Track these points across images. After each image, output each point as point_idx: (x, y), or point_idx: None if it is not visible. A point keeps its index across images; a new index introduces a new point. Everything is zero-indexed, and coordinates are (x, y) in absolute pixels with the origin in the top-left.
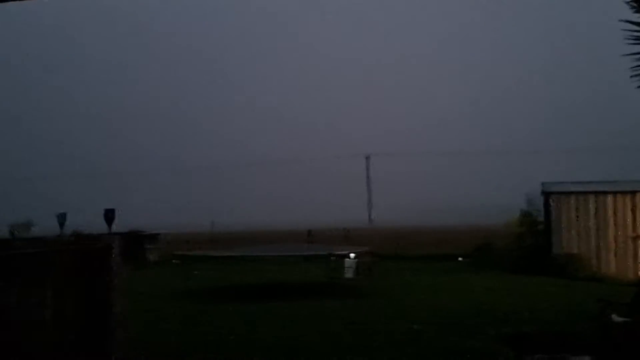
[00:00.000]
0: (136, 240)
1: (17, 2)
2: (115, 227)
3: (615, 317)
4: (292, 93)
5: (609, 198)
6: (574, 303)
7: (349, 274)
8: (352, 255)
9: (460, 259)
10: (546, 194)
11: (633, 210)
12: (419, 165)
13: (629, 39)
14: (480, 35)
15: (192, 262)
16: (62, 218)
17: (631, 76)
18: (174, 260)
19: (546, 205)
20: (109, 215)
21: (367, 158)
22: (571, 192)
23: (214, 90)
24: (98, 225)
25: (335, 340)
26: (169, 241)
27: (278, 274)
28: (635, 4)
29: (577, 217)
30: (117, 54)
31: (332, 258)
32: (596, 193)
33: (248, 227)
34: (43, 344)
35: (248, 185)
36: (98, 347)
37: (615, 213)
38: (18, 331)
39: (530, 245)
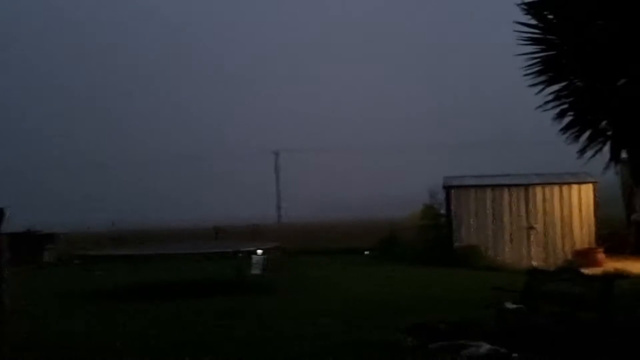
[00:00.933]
0: (32, 241)
1: None
2: (6, 227)
3: (509, 304)
4: (199, 88)
5: (505, 191)
6: (472, 292)
7: (256, 271)
8: (259, 251)
9: (366, 252)
10: (447, 188)
11: (527, 203)
12: (328, 161)
13: (520, 39)
14: (387, 31)
15: (94, 262)
16: None
17: (523, 75)
18: (75, 261)
19: (447, 198)
20: None
21: (276, 154)
22: (470, 186)
23: (116, 83)
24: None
25: (241, 336)
26: (69, 241)
27: (184, 272)
28: (525, 7)
29: (476, 209)
30: None
31: (239, 255)
32: (493, 186)
33: (154, 225)
34: None
35: (154, 182)
36: None
37: (510, 205)
38: None
39: (432, 237)
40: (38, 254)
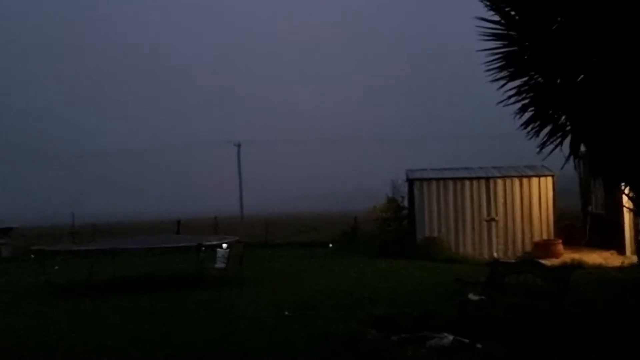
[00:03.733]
0: None
1: None
2: None
3: (472, 296)
4: (158, 82)
5: (467, 184)
6: (435, 284)
7: (219, 264)
8: (224, 245)
9: (330, 245)
10: (410, 181)
11: (487, 195)
12: (291, 154)
13: (482, 35)
14: (354, 28)
15: (50, 257)
16: None
17: (485, 70)
18: (31, 256)
19: (410, 191)
20: None
21: (238, 146)
22: (432, 179)
23: (78, 78)
24: None
25: (203, 330)
26: (24, 235)
27: (145, 266)
28: (489, 3)
29: (438, 202)
30: None
31: (202, 249)
32: (454, 179)
33: (114, 218)
34: None
35: (114, 175)
36: None
37: (472, 198)
38: None
39: (395, 230)
40: None
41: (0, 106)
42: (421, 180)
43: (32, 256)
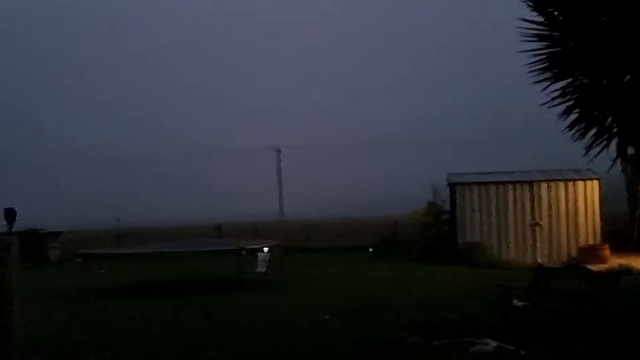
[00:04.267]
0: (36, 239)
1: None
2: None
3: (515, 302)
4: (201, 82)
5: (510, 188)
6: (477, 289)
7: (260, 268)
8: (265, 249)
9: (370, 250)
10: (451, 185)
11: (531, 199)
12: (329, 158)
13: (525, 36)
14: (389, 28)
15: (97, 260)
16: None
17: (527, 72)
18: (78, 259)
19: (451, 195)
20: (9, 214)
21: (278, 151)
22: (474, 183)
23: (119, 77)
24: None
25: (244, 333)
26: (72, 239)
27: (187, 270)
28: (531, 3)
29: (480, 206)
30: None
31: (242, 252)
32: (497, 183)
33: (156, 222)
34: None
35: (156, 179)
36: None
37: (515, 202)
38: None
39: (435, 234)
40: (43, 253)
41: (51, 105)
42: (463, 184)
43: (79, 259)
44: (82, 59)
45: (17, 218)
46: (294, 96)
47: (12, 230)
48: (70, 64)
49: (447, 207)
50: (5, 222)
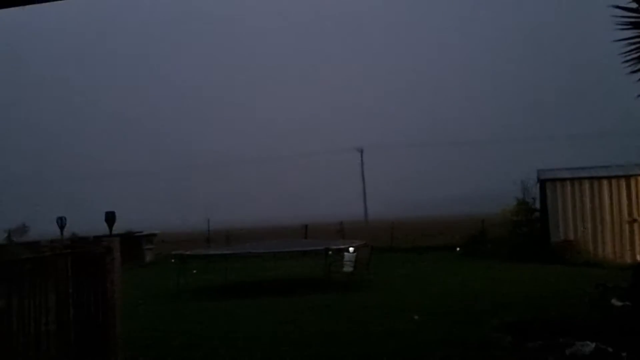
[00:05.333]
0: (133, 241)
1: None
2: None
3: (615, 301)
4: (285, 91)
5: (604, 183)
6: (573, 288)
7: (347, 268)
8: (351, 249)
9: (458, 249)
10: (541, 181)
11: (628, 195)
12: (414, 157)
13: (619, 24)
14: (468, 24)
15: (189, 261)
16: (62, 221)
17: (622, 62)
18: (172, 260)
19: (542, 192)
20: (110, 218)
21: (361, 151)
22: (566, 179)
23: (204, 85)
24: (95, 227)
25: (334, 333)
26: (165, 241)
27: (276, 270)
28: None
29: (573, 203)
30: None
31: (329, 253)
32: (591, 178)
33: (245, 224)
34: (46, 352)
35: (244, 182)
36: (102, 349)
37: (610, 198)
38: (18, 341)
39: (526, 233)
40: (140, 254)
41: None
42: (554, 180)
43: (173, 260)
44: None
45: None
46: (377, 93)
47: (112, 233)
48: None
49: (537, 204)
50: (106, 225)
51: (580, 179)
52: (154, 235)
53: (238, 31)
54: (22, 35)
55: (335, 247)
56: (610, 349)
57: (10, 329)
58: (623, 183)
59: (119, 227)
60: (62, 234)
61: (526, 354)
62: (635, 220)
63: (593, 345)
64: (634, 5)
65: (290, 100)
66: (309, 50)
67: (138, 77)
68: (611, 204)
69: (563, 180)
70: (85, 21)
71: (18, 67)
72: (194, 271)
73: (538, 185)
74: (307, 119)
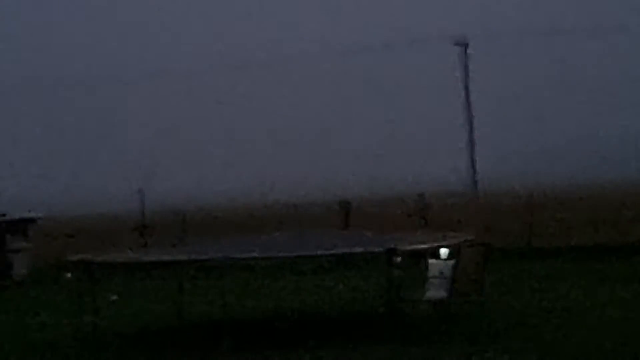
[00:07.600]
0: None
1: None
2: None
3: None
4: None
5: None
6: None
7: (435, 291)
8: (443, 251)
9: None
10: None
11: None
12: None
13: None
14: None
15: (103, 275)
16: None
17: None
18: (67, 274)
19: None
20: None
21: (464, 46)
22: None
23: None
24: None
25: None
26: (55, 234)
27: (280, 296)
28: None
29: None
30: None
31: (395, 259)
32: None
33: (221, 200)
34: None
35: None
36: None
37: None
38: None
39: None
40: (2, 260)
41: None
42: None
43: (69, 274)
44: None
45: None
46: None
47: None
48: None
49: None
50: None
51: None
52: (32, 221)
53: None
54: None
55: (408, 246)
56: None
57: None
58: None
59: None
60: None
61: None
62: None
63: None
64: None
65: None
66: None
67: None
68: None
69: None
70: None
71: None
72: (114, 297)
73: None
74: None
